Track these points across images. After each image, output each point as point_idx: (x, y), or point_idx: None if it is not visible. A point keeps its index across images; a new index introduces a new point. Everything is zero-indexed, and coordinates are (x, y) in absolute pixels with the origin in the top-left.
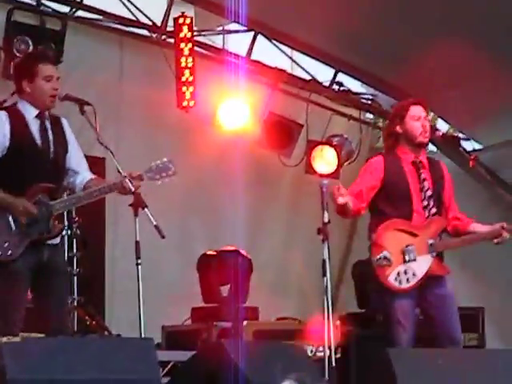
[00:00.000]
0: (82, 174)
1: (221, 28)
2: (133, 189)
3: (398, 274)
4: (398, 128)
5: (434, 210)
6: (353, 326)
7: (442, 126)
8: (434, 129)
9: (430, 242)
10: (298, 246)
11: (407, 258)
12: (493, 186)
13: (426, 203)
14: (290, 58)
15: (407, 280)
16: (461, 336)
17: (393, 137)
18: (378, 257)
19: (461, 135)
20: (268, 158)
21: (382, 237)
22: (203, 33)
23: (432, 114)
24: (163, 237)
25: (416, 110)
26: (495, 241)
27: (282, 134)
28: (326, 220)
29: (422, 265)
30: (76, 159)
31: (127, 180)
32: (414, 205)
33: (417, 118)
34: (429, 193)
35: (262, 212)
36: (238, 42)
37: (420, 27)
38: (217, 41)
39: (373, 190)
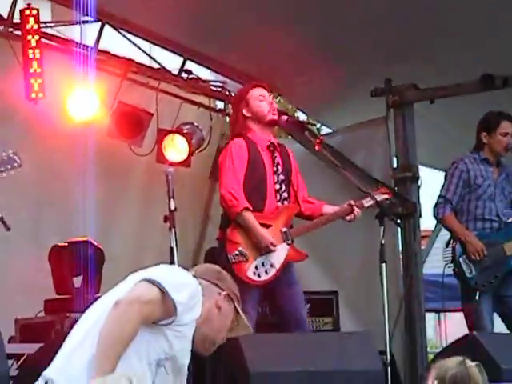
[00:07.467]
0: None
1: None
2: None
3: (256, 267)
4: (244, 112)
5: (285, 195)
6: None
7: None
8: (280, 113)
9: (284, 230)
10: (151, 235)
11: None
12: (343, 169)
13: (278, 187)
14: (138, 46)
15: (266, 272)
16: (307, 323)
17: (241, 122)
18: (234, 253)
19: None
20: (119, 147)
21: (235, 233)
22: (49, 24)
23: (290, 106)
24: (8, 229)
25: (259, 91)
26: (348, 218)
27: (132, 123)
28: (172, 207)
29: (279, 254)
30: None
31: None
32: (268, 188)
33: (261, 98)
34: (281, 177)
35: (114, 202)
36: (92, 35)
37: (266, 15)
38: (73, 34)
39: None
